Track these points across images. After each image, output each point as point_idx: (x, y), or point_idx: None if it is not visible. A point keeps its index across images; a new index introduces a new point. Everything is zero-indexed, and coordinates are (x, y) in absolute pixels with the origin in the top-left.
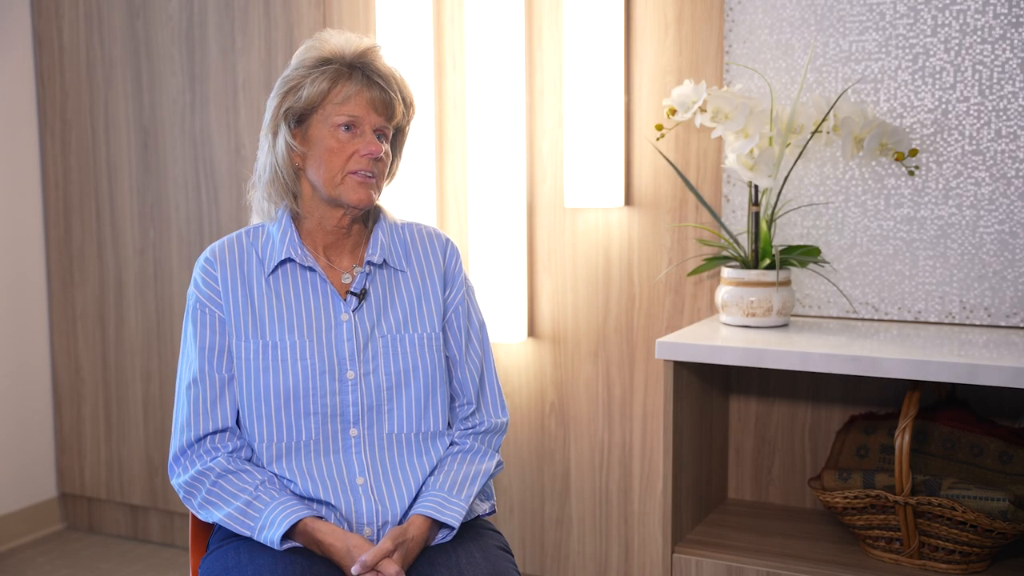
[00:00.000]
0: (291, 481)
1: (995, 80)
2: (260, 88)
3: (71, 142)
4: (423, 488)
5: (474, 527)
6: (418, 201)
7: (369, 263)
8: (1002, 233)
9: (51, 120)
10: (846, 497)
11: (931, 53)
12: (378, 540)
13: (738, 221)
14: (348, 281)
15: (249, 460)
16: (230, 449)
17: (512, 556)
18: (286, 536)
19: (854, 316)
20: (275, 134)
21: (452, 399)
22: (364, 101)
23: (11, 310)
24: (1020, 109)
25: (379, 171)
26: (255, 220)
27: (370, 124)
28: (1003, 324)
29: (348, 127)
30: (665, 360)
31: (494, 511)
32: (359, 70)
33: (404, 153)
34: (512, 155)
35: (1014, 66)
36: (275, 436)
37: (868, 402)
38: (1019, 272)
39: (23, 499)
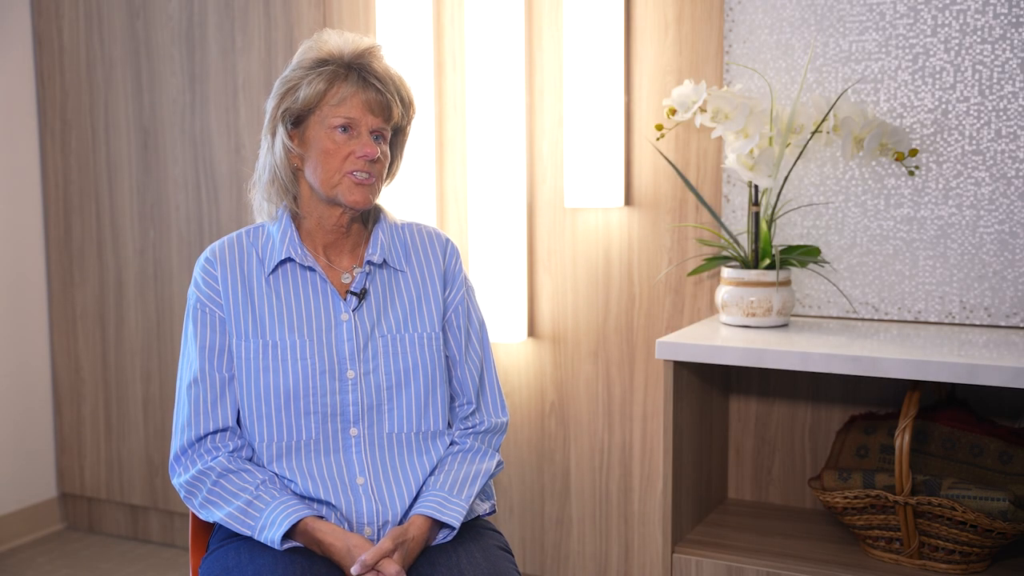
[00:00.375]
0: (291, 481)
1: (995, 80)
2: (260, 88)
3: (71, 142)
4: (423, 488)
5: (474, 527)
6: (418, 201)
7: (369, 263)
8: (1002, 233)
9: (51, 120)
10: (846, 497)
11: (931, 53)
12: (378, 540)
13: (738, 221)
14: (348, 281)
15: (250, 460)
16: (231, 448)
17: (512, 556)
18: (286, 536)
19: (854, 316)
20: (273, 135)
21: (452, 399)
22: (360, 103)
23: (11, 310)
24: (1020, 109)
25: (377, 172)
26: (260, 219)
27: (367, 126)
28: (1003, 324)
29: (345, 128)
30: (665, 360)
31: (494, 511)
32: (355, 71)
33: (405, 153)
34: (512, 155)
35: (1014, 66)
36: (275, 436)
37: (868, 402)
38: (1019, 272)
39: (23, 499)
